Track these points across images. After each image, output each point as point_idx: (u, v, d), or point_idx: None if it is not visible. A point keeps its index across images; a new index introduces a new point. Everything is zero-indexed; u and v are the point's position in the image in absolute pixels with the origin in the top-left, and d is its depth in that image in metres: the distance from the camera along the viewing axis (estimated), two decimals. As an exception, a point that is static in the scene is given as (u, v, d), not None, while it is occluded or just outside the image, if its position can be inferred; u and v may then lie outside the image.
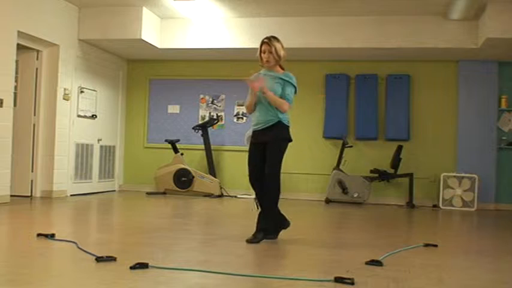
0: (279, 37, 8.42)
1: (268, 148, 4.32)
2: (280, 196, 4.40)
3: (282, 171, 4.36)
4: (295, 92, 4.43)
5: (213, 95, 9.49)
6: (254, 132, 4.45)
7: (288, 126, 4.43)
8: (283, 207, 7.73)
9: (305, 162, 8.94)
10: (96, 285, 2.77)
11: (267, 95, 4.25)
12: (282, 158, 4.36)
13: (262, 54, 4.38)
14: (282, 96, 4.33)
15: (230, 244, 4.30)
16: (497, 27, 7.09)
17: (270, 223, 4.40)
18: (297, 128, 9.05)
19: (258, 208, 4.47)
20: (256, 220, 4.42)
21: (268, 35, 4.43)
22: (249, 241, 4.27)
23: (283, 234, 4.91)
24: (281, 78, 4.37)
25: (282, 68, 4.48)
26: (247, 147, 9.91)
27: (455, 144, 8.67)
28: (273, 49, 4.34)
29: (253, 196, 4.62)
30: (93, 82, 8.68)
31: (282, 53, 4.39)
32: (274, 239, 4.45)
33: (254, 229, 4.39)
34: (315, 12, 7.91)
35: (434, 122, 8.78)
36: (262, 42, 4.39)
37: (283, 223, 4.55)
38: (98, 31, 8.09)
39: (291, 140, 4.45)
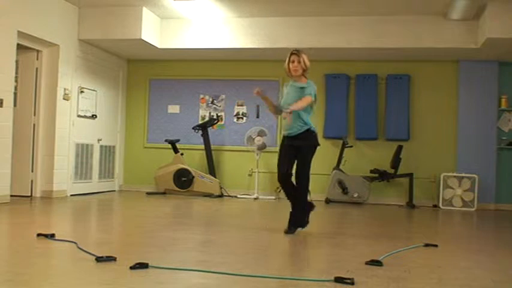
0: (279, 37, 8.48)
1: (299, 154, 4.83)
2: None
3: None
4: (315, 98, 4.82)
5: (213, 95, 9.49)
6: (286, 137, 4.90)
7: (316, 133, 4.92)
8: (284, 207, 7.73)
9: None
10: (96, 285, 2.77)
11: (293, 109, 4.62)
12: (311, 160, 4.89)
13: (291, 64, 4.83)
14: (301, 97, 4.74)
15: (230, 244, 4.30)
16: (497, 27, 7.09)
17: (298, 217, 4.87)
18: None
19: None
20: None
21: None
22: (286, 232, 4.77)
23: (282, 234, 4.91)
24: (302, 88, 4.81)
25: (306, 78, 4.91)
26: (247, 147, 9.97)
27: (455, 144, 8.67)
28: (301, 59, 4.81)
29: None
30: (93, 82, 8.68)
31: (308, 63, 4.85)
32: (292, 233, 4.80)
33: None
34: (314, 12, 7.91)
35: (434, 122, 8.78)
36: (291, 54, 4.86)
37: (303, 223, 4.90)
38: (98, 31, 8.09)
39: (318, 145, 4.96)
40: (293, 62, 4.82)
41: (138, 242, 4.28)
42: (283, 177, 4.85)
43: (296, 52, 4.85)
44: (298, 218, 4.85)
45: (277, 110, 5.04)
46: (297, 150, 4.85)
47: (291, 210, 4.89)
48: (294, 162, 4.87)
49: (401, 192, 8.72)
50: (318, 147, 4.96)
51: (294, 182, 4.92)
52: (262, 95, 4.91)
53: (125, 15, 7.97)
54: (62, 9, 7.72)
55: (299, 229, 4.85)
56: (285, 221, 5.44)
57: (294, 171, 4.90)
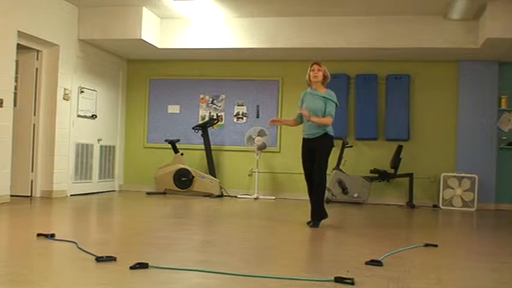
0: (279, 37, 8.55)
1: (316, 153, 5.34)
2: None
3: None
4: (337, 106, 5.40)
5: (213, 95, 9.49)
6: (304, 139, 5.46)
7: (332, 136, 5.43)
8: (284, 207, 7.73)
9: (305, 162, 8.93)
10: (96, 285, 2.77)
11: (312, 120, 5.25)
12: (327, 160, 5.38)
13: (311, 72, 5.36)
14: (325, 113, 5.29)
15: (230, 244, 4.30)
16: (497, 27, 7.09)
17: (318, 211, 5.36)
18: (297, 128, 9.02)
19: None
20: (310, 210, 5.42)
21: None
22: (310, 226, 5.28)
23: (282, 234, 4.91)
24: (324, 97, 5.33)
25: (326, 88, 5.45)
26: (247, 147, 10.01)
27: (455, 144, 8.67)
28: (323, 68, 5.37)
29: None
30: (93, 82, 8.68)
31: (328, 73, 5.42)
32: (317, 227, 5.28)
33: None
34: (315, 12, 7.91)
35: (434, 122, 8.78)
36: (312, 64, 5.41)
37: (324, 215, 5.40)
38: (98, 31, 8.09)
39: (333, 146, 5.48)
40: (313, 70, 5.35)
41: (138, 242, 4.28)
42: (307, 177, 5.42)
43: (317, 62, 5.40)
44: (319, 211, 5.34)
45: (298, 121, 5.64)
46: (313, 151, 5.36)
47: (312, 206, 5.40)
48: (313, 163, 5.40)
49: (401, 192, 8.72)
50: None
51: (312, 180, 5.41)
52: (307, 117, 5.27)
53: (124, 15, 7.97)
54: (62, 9, 7.72)
55: (322, 221, 5.38)
56: (285, 221, 5.44)
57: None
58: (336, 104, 5.40)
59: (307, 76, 5.44)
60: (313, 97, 5.36)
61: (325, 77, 5.37)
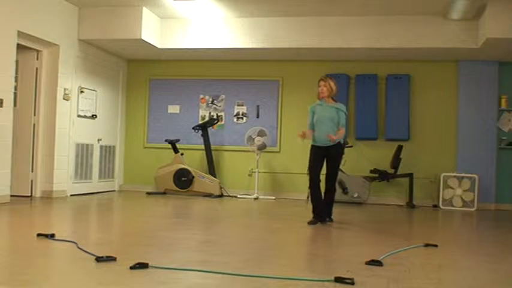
0: (279, 37, 8.56)
1: (331, 161, 5.79)
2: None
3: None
4: (346, 115, 5.84)
5: (213, 95, 9.48)
6: (316, 146, 5.78)
7: (342, 144, 5.91)
8: (284, 207, 7.73)
9: (305, 163, 8.90)
10: (96, 285, 2.77)
11: (334, 139, 5.60)
12: (339, 168, 5.98)
13: (318, 88, 5.81)
14: (339, 124, 5.74)
15: (230, 244, 4.31)
16: (497, 27, 7.09)
17: (330, 211, 5.94)
18: (297, 128, 9.03)
19: (307, 200, 5.99)
20: (311, 210, 5.74)
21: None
22: (310, 223, 5.54)
23: (282, 234, 4.91)
24: (336, 108, 5.79)
25: (334, 100, 5.85)
26: (247, 147, 10.01)
27: (455, 144, 8.67)
28: (327, 84, 5.77)
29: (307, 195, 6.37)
30: (93, 82, 8.68)
31: (334, 87, 5.81)
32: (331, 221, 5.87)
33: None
34: (314, 12, 7.91)
35: (434, 122, 8.78)
36: (319, 80, 5.84)
37: (323, 219, 5.75)
38: (98, 31, 8.10)
39: (343, 153, 6.14)
40: (320, 86, 5.79)
41: (138, 242, 4.28)
42: (315, 182, 5.68)
43: (323, 78, 5.83)
44: (327, 211, 5.84)
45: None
46: (327, 157, 5.75)
47: (315, 209, 5.69)
48: (321, 169, 5.76)
49: (401, 192, 8.71)
50: None
51: (325, 184, 5.82)
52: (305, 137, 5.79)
53: (124, 15, 7.97)
54: (62, 9, 7.72)
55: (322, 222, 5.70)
56: (285, 221, 5.41)
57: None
58: (345, 114, 5.84)
59: (317, 90, 5.86)
60: (325, 108, 5.77)
61: (331, 90, 5.76)
